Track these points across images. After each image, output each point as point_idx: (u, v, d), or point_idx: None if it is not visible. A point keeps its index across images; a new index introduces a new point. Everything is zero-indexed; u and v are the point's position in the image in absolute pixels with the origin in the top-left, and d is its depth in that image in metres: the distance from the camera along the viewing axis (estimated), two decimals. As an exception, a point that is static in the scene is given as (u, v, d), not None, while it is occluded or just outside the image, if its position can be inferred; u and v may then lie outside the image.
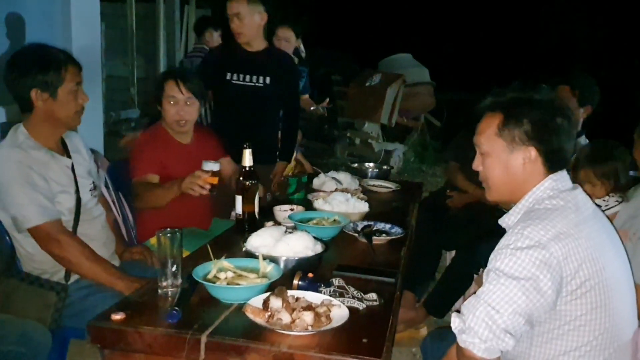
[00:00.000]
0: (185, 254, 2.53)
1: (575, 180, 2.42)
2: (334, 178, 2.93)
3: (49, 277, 2.10)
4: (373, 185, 3.05)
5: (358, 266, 1.87)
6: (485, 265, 2.88)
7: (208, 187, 2.33)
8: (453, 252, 3.52)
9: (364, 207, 2.39)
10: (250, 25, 3.15)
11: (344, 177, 2.95)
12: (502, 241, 1.46)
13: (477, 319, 1.36)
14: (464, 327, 1.39)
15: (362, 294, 1.63)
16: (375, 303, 1.60)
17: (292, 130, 3.45)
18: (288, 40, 4.10)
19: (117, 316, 1.46)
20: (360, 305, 1.57)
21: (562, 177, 1.54)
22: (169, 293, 1.63)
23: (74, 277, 2.12)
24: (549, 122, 1.51)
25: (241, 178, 2.25)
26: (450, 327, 2.08)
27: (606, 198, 2.40)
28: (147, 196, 2.53)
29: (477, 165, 1.63)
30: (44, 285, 2.06)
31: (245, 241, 1.88)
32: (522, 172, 1.53)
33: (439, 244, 3.38)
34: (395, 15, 11.19)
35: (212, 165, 2.35)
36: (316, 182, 2.93)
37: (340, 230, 2.17)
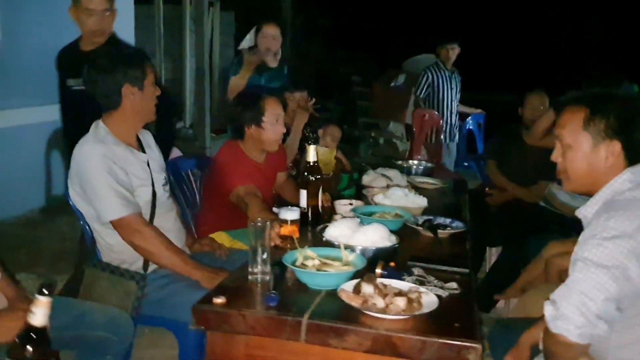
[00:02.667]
0: (244, 247, 2.66)
1: None
2: (383, 175, 3.02)
3: (128, 267, 2.20)
4: (420, 182, 3.13)
5: (429, 257, 1.95)
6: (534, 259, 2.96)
7: (284, 243, 2.01)
8: (493, 249, 3.61)
9: (422, 201, 2.48)
10: (111, 21, 2.82)
11: (394, 174, 3.04)
12: (587, 232, 1.53)
13: (571, 307, 1.43)
14: (557, 314, 1.46)
15: (442, 283, 1.72)
16: (456, 292, 1.69)
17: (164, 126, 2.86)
18: (275, 38, 3.95)
19: (219, 300, 1.55)
20: (444, 293, 1.65)
21: (639, 170, 1.61)
22: (259, 279, 1.71)
23: (151, 267, 2.22)
24: (635, 117, 1.58)
25: (305, 173, 2.35)
26: (515, 319, 2.16)
27: None
28: (255, 211, 2.45)
29: (556, 156, 1.69)
30: (124, 274, 2.16)
31: (321, 232, 1.97)
32: (604, 165, 1.60)
33: (483, 240, 3.45)
34: (415, 16, 11.25)
35: (289, 214, 2.07)
36: (366, 178, 3.02)
37: (403, 223, 2.25)
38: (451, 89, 5.81)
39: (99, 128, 2.18)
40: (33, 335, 1.17)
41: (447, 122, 5.82)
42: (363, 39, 11.21)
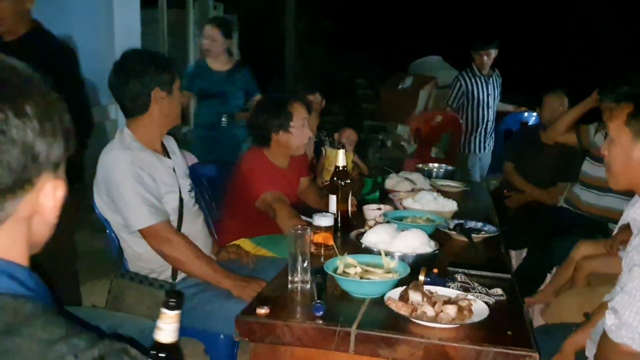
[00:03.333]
0: (269, 254, 2.62)
1: None
2: (407, 178, 2.98)
3: (156, 276, 2.16)
4: (442, 185, 3.10)
5: (468, 263, 1.91)
6: (559, 263, 2.91)
7: (317, 250, 1.99)
8: (513, 252, 3.56)
9: (452, 205, 2.44)
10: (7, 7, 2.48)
11: (417, 177, 3.00)
12: None
13: (635, 315, 1.40)
14: (620, 323, 1.42)
15: (487, 289, 1.68)
16: (502, 298, 1.65)
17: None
18: (215, 39, 3.92)
19: (262, 310, 1.51)
20: (490, 300, 1.61)
21: None
22: (299, 288, 1.68)
23: (180, 276, 2.18)
24: None
25: (335, 178, 2.31)
26: (556, 324, 2.12)
27: None
28: (284, 217, 2.46)
29: (604, 150, 1.67)
30: (152, 284, 2.12)
31: (358, 238, 1.93)
32: None
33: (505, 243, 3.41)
34: (419, 18, 11.23)
35: (323, 220, 2.03)
36: (389, 182, 2.99)
37: (435, 228, 2.22)
38: (487, 95, 5.11)
39: (124, 134, 2.14)
40: (162, 354, 1.05)
41: (480, 131, 5.12)
42: (366, 42, 11.18)
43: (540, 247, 3.04)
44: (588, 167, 3.35)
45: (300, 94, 3.41)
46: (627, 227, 2.52)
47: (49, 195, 0.78)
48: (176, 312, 1.04)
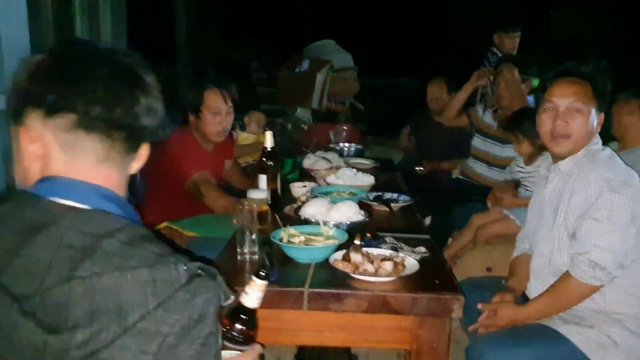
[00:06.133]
0: (196, 235, 2.72)
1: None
2: (323, 157, 3.19)
3: None
4: (355, 163, 3.34)
5: (392, 228, 2.15)
6: (459, 227, 3.29)
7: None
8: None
9: (370, 179, 2.68)
10: None
11: (332, 156, 3.22)
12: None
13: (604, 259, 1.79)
14: (591, 265, 1.78)
15: (412, 248, 1.92)
16: (426, 254, 1.90)
17: None
18: None
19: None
20: (416, 257, 1.85)
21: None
22: (249, 259, 1.82)
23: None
24: (608, 91, 1.92)
25: (264, 158, 2.46)
26: (464, 280, 2.42)
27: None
28: (214, 197, 2.59)
29: (561, 121, 1.89)
30: None
31: (296, 211, 2.11)
32: (594, 131, 1.91)
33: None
34: (309, 2, 11.46)
35: (258, 193, 2.20)
36: (307, 162, 3.17)
37: (358, 200, 2.44)
38: None
39: None
40: (243, 315, 1.18)
41: None
42: (260, 25, 11.25)
43: (441, 214, 3.38)
44: (478, 143, 3.75)
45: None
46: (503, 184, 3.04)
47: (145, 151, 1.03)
48: (264, 282, 1.21)
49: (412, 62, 9.75)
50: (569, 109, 1.88)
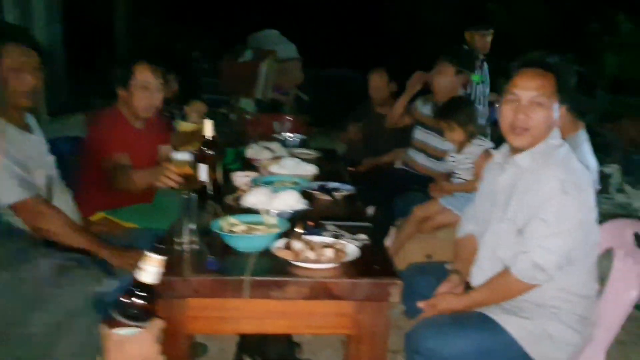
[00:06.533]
0: (134, 226, 2.67)
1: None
2: (266, 147, 3.18)
3: None
4: (299, 153, 3.35)
5: (335, 216, 2.17)
6: (402, 215, 3.37)
7: (180, 180, 2.24)
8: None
9: (314, 169, 2.69)
10: None
11: (275, 146, 3.21)
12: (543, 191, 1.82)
13: (545, 261, 1.81)
14: (533, 266, 1.81)
15: (353, 236, 1.95)
16: (367, 241, 1.93)
17: None
18: None
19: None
20: (357, 244, 1.88)
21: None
22: (188, 248, 1.80)
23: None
24: (572, 84, 1.94)
25: (204, 148, 2.43)
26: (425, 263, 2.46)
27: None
28: (125, 179, 2.51)
29: (521, 114, 1.86)
30: None
31: (237, 200, 2.09)
32: (554, 124, 1.90)
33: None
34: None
35: (183, 155, 2.27)
36: (250, 152, 3.15)
37: (301, 189, 2.44)
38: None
39: None
40: (141, 291, 1.16)
41: None
42: (202, 14, 11.07)
43: (384, 203, 3.43)
44: (419, 134, 3.82)
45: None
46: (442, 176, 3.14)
47: None
48: (159, 258, 1.19)
49: (357, 54, 9.82)
50: (531, 102, 1.85)
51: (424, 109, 3.82)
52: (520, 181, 1.90)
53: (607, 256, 2.02)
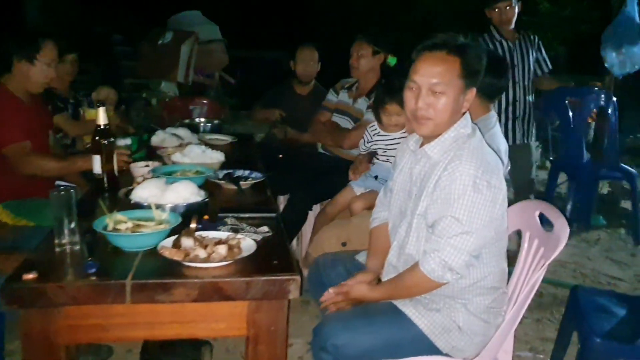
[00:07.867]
0: (31, 224, 2.48)
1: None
2: (173, 134, 3.00)
3: None
4: (210, 139, 3.19)
5: (238, 207, 2.05)
6: (321, 200, 3.27)
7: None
8: (281, 197, 3.84)
9: (220, 156, 2.54)
10: None
11: (184, 132, 3.04)
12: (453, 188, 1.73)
13: (456, 261, 1.74)
14: (444, 267, 1.74)
15: (255, 228, 1.83)
16: (269, 234, 1.82)
17: None
18: None
19: (30, 275, 1.46)
20: (258, 237, 1.77)
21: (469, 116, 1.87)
22: (68, 249, 1.63)
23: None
24: (483, 66, 1.80)
25: (97, 137, 2.24)
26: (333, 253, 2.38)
27: None
28: (37, 165, 2.52)
29: (420, 104, 1.75)
30: None
31: (127, 195, 1.93)
32: (461, 110, 1.80)
33: (274, 190, 3.66)
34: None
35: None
36: (155, 139, 2.97)
37: (205, 179, 2.30)
38: (514, 66, 3.82)
39: None
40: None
41: (513, 115, 3.84)
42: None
43: (302, 189, 3.32)
44: (335, 119, 3.72)
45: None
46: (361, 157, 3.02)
47: None
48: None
49: (284, 35, 9.64)
50: (431, 90, 1.74)
51: (340, 96, 3.72)
52: (432, 174, 1.80)
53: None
